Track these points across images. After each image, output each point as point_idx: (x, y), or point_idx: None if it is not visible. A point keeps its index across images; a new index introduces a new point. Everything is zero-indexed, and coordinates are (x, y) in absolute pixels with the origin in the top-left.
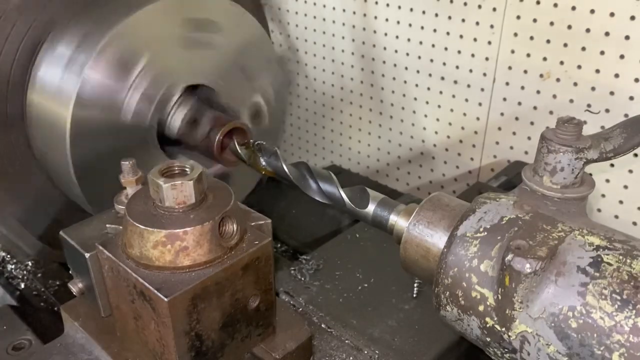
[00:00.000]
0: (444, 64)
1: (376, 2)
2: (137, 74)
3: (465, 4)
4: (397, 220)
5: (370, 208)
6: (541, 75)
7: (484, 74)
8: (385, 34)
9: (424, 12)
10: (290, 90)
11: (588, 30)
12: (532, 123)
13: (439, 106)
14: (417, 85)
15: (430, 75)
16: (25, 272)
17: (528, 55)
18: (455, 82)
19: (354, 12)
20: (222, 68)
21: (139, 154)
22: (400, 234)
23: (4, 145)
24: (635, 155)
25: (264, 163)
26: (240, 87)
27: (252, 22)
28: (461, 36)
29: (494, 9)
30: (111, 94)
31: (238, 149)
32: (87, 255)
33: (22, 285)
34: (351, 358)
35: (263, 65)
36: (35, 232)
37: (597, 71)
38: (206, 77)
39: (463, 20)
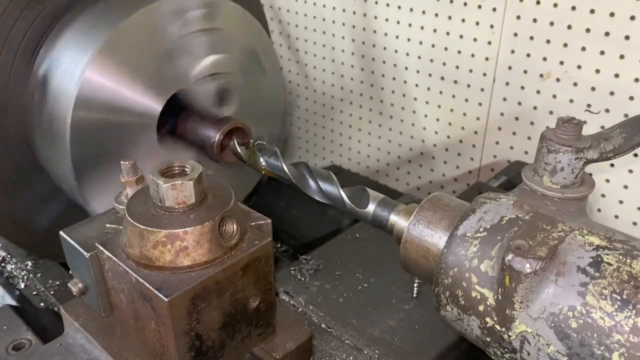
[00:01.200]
0: (444, 64)
1: (376, 2)
2: (137, 73)
3: (465, 4)
4: (397, 220)
5: (370, 208)
6: (541, 75)
7: (484, 74)
8: (385, 34)
9: (424, 12)
10: (290, 91)
11: (588, 30)
12: (532, 123)
13: (439, 106)
14: (417, 85)
15: (430, 75)
16: (25, 272)
17: (528, 55)
18: (455, 82)
19: (354, 12)
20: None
21: (139, 153)
22: (400, 234)
23: (4, 145)
24: (635, 155)
25: (263, 163)
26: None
27: (253, 21)
28: (461, 36)
29: (494, 9)
30: (112, 94)
31: (238, 148)
32: (87, 255)
33: (22, 285)
34: (351, 358)
35: (263, 65)
36: (34, 231)
37: (597, 71)
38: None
39: (463, 20)
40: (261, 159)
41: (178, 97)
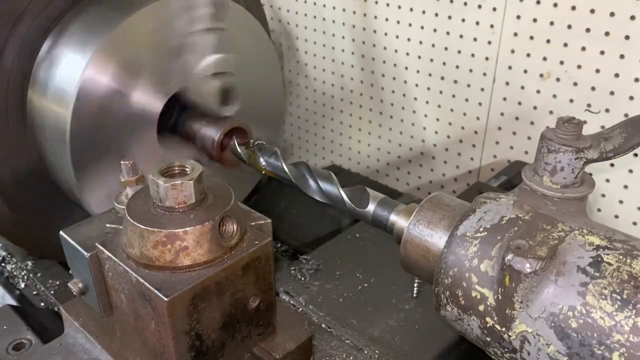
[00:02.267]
0: (444, 63)
1: (376, 2)
2: (137, 73)
3: (465, 4)
4: (397, 220)
5: (370, 208)
6: (541, 75)
7: (484, 74)
8: (385, 34)
9: (424, 12)
10: (290, 91)
11: (588, 30)
12: (532, 123)
13: (439, 106)
14: (417, 85)
15: (430, 75)
16: (25, 271)
17: (528, 55)
18: (455, 82)
19: (354, 12)
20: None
21: (139, 153)
22: (400, 234)
23: (4, 145)
24: (635, 155)
25: (263, 163)
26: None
27: (252, 21)
28: (461, 36)
29: (494, 9)
30: (112, 94)
31: (238, 148)
32: (87, 255)
33: (22, 285)
34: (351, 358)
35: (262, 64)
36: (34, 231)
37: (597, 71)
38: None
39: (463, 20)
40: (261, 159)
41: (179, 95)
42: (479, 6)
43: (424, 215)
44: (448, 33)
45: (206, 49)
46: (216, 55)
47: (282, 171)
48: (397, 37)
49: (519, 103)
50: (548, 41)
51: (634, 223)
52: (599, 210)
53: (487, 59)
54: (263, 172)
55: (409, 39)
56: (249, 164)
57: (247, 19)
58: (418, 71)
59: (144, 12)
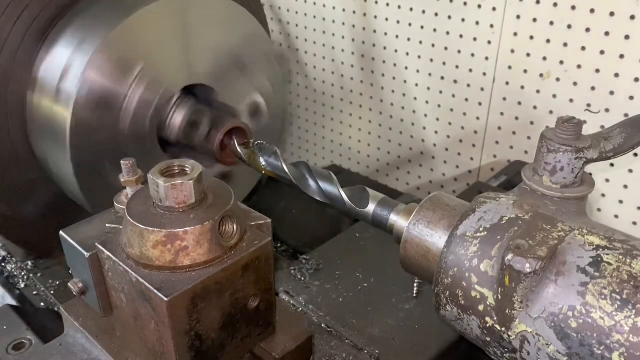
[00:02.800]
0: (444, 63)
1: (376, 2)
2: (137, 73)
3: (465, 3)
4: (397, 220)
5: (370, 208)
6: (541, 75)
7: (484, 74)
8: (385, 34)
9: (423, 12)
10: (290, 90)
11: (588, 30)
12: (532, 123)
13: (439, 106)
14: (417, 85)
15: (430, 75)
16: (25, 271)
17: (528, 55)
18: (455, 81)
19: (354, 12)
20: (221, 67)
21: (139, 153)
22: (400, 234)
23: (4, 145)
24: (635, 155)
25: (263, 163)
26: (239, 86)
27: (252, 21)
28: (461, 36)
29: (494, 9)
30: (111, 94)
31: (238, 148)
32: (87, 255)
33: (22, 285)
34: (351, 358)
35: (262, 65)
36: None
37: (597, 71)
38: (205, 77)
39: (463, 20)
40: (261, 159)
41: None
42: (479, 6)
43: (424, 215)
44: (448, 33)
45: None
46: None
47: (282, 171)
48: (397, 37)
49: (519, 103)
50: (548, 41)
51: (634, 223)
52: (599, 210)
53: (487, 58)
54: (263, 172)
55: (409, 39)
56: (249, 164)
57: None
58: (418, 71)
59: (144, 12)
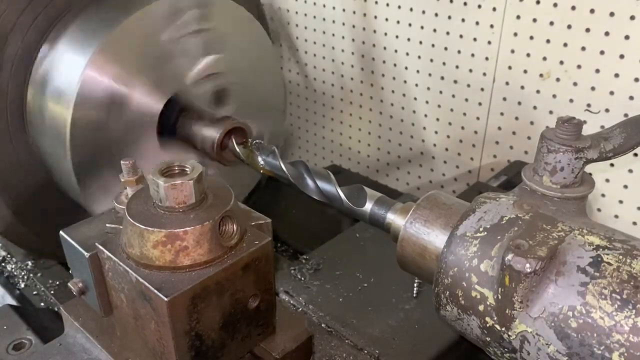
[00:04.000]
0: (444, 63)
1: (376, 2)
2: (137, 73)
3: (465, 4)
4: (394, 219)
5: (368, 206)
6: (541, 75)
7: (484, 74)
8: (385, 34)
9: (423, 12)
10: (290, 90)
11: (588, 30)
12: (532, 123)
13: (439, 106)
14: (417, 85)
15: (430, 75)
16: (25, 271)
17: (528, 55)
18: (455, 81)
19: (354, 12)
20: (222, 68)
21: (139, 153)
22: (397, 232)
23: (4, 145)
24: (635, 155)
25: (261, 162)
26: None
27: (252, 21)
28: (461, 36)
29: (494, 9)
30: (112, 94)
31: (236, 147)
32: (87, 255)
33: (22, 285)
34: (351, 358)
35: (263, 66)
36: (34, 231)
37: (597, 71)
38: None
39: (463, 20)
40: (259, 158)
41: (176, 97)
42: (479, 6)
43: (420, 213)
44: (448, 33)
45: (199, 51)
46: (210, 57)
47: (280, 170)
48: (397, 37)
49: (519, 103)
50: (548, 41)
51: (634, 223)
52: (599, 210)
53: (487, 59)
54: (261, 171)
55: (408, 39)
56: (247, 163)
57: (245, 18)
58: (418, 71)
59: (143, 13)
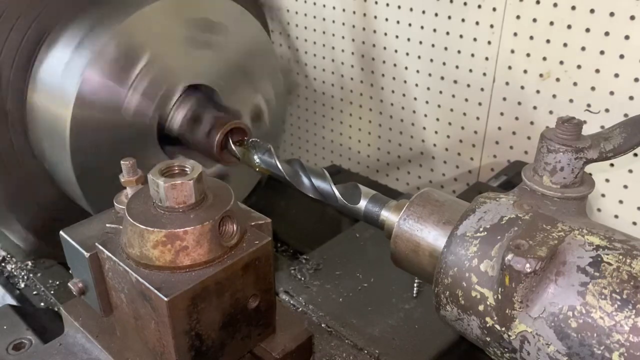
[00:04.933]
0: (444, 63)
1: (376, 2)
2: (137, 73)
3: (465, 4)
4: (388, 216)
5: (362, 204)
6: (541, 75)
7: (484, 74)
8: (385, 34)
9: (423, 12)
10: (290, 90)
11: (588, 30)
12: (532, 123)
13: (439, 106)
14: (417, 85)
15: (430, 75)
16: (25, 271)
17: (528, 55)
18: (455, 82)
19: (354, 12)
20: (222, 68)
21: (139, 153)
22: (390, 229)
23: (4, 146)
24: (635, 155)
25: (257, 160)
26: (241, 87)
27: (253, 21)
28: (461, 36)
29: (494, 9)
30: (111, 94)
31: (233, 146)
32: (87, 255)
33: (22, 285)
34: (351, 358)
35: (264, 66)
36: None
37: (597, 71)
38: (206, 77)
39: (463, 20)
40: (255, 156)
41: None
42: (479, 6)
43: (414, 210)
44: (448, 33)
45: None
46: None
47: (276, 168)
48: (397, 37)
49: (519, 103)
50: (548, 41)
51: (634, 223)
52: (599, 210)
53: (487, 59)
54: (257, 170)
55: (408, 39)
56: (242, 162)
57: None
58: (418, 71)
59: (142, 13)
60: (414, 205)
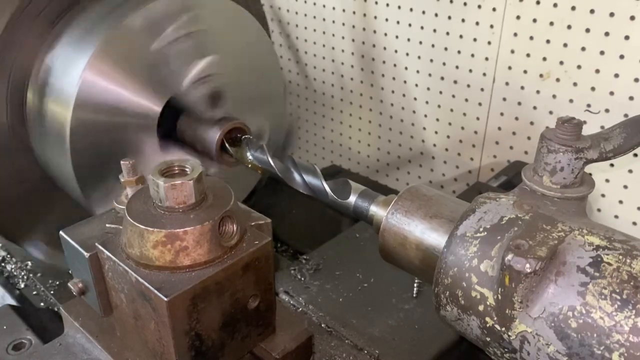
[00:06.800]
0: (444, 64)
1: (376, 2)
2: (137, 74)
3: (465, 4)
4: (376, 211)
5: (352, 199)
6: (541, 75)
7: (484, 74)
8: (385, 34)
9: (423, 12)
10: (290, 90)
11: (588, 30)
12: (532, 123)
13: (439, 106)
14: (417, 85)
15: (430, 75)
16: (25, 272)
17: (528, 55)
18: (455, 82)
19: (354, 12)
20: (222, 68)
21: (139, 153)
22: (379, 224)
23: (4, 146)
24: (635, 155)
25: (250, 157)
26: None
27: (253, 21)
28: (461, 36)
29: (494, 9)
30: (111, 94)
31: (226, 143)
32: (87, 255)
33: (22, 285)
34: (351, 358)
35: (263, 66)
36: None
37: (597, 71)
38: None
39: (463, 20)
40: (248, 153)
41: (175, 99)
42: (479, 6)
43: (401, 204)
44: (448, 33)
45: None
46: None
47: (268, 165)
48: (397, 37)
49: (519, 103)
50: (548, 41)
51: (634, 223)
52: (599, 210)
53: (486, 59)
54: (249, 166)
55: (408, 39)
56: (236, 159)
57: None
58: (418, 71)
59: (141, 13)
60: (402, 199)
